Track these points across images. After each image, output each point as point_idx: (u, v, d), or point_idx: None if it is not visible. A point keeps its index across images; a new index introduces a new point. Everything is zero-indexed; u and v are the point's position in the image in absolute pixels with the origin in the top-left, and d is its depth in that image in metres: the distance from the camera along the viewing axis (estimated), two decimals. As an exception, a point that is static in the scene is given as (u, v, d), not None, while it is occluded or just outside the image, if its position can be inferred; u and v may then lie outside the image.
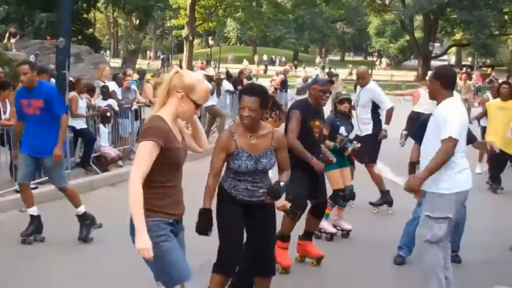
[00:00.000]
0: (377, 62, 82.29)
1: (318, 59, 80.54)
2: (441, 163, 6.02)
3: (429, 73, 37.95)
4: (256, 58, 78.91)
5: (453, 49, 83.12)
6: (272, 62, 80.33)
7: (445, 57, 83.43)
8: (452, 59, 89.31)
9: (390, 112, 10.51)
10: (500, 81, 17.94)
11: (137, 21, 59.09)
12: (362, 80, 10.84)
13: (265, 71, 68.37)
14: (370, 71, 60.46)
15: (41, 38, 32.03)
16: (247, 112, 5.21)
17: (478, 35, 65.92)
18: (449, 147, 5.96)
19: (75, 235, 8.73)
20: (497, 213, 8.04)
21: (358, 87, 11.39)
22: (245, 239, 5.75)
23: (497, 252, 8.17)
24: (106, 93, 13.50)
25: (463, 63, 78.67)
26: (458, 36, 74.43)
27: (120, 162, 13.43)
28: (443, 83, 6.24)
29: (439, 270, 6.23)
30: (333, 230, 8.88)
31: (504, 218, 9.04)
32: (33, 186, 10.71)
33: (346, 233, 9.01)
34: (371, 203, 10.39)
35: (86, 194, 11.29)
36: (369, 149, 10.24)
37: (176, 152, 4.45)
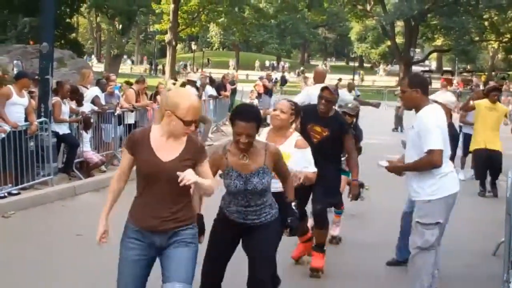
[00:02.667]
0: (362, 72, 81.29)
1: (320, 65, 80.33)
2: (422, 169, 6.07)
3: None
4: (257, 64, 79.04)
5: (434, 55, 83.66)
6: (274, 68, 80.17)
7: (426, 62, 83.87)
8: (433, 65, 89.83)
9: None
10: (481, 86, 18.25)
11: (120, 26, 58.77)
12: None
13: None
14: (352, 77, 60.90)
15: (23, 43, 31.80)
16: (245, 139, 5.02)
17: (458, 41, 66.39)
18: (435, 159, 5.95)
19: (57, 239, 8.68)
20: (479, 219, 8.06)
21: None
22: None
23: (480, 257, 8.18)
24: (79, 100, 13.33)
25: (444, 68, 79.11)
26: (439, 42, 74.89)
27: (103, 168, 13.37)
28: (424, 91, 6.23)
29: (429, 277, 6.24)
30: (336, 233, 8.83)
31: (487, 224, 9.06)
32: (16, 191, 10.67)
33: (332, 239, 8.82)
34: None
35: (69, 199, 11.27)
36: None
37: (142, 164, 4.52)
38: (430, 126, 6.02)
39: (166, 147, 4.48)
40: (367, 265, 7.97)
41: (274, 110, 6.39)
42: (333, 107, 7.61)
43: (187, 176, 4.24)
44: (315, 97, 7.79)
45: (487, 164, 12.25)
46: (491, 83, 17.65)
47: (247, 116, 5.06)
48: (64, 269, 7.56)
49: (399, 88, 8.52)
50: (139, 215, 4.63)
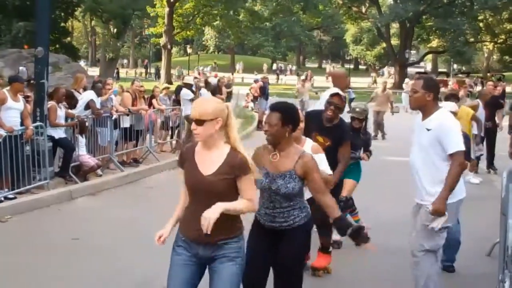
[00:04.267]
0: (374, 75, 79.90)
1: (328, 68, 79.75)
2: (459, 176, 6.03)
3: (407, 80, 37.10)
4: (264, 67, 78.93)
5: (429, 56, 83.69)
6: (282, 71, 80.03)
7: (421, 64, 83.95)
8: (428, 66, 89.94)
9: None
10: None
11: (115, 29, 58.71)
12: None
13: (277, 79, 68.68)
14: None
15: (18, 47, 31.78)
16: (267, 127, 5.14)
17: (453, 42, 66.38)
18: (462, 160, 6.01)
19: (53, 244, 8.70)
20: (473, 220, 8.10)
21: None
22: None
23: (475, 258, 8.21)
24: (74, 105, 13.36)
25: (439, 70, 79.19)
26: (434, 43, 74.93)
27: (99, 172, 13.37)
28: (435, 96, 6.24)
29: (437, 278, 6.27)
30: (337, 237, 8.80)
31: (481, 225, 9.09)
32: (12, 196, 10.69)
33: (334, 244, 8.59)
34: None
35: (65, 203, 11.27)
36: None
37: (186, 176, 4.60)
38: (452, 128, 6.07)
39: (206, 161, 4.50)
40: (370, 268, 8.01)
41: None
42: (339, 114, 7.54)
43: (207, 220, 4.27)
44: None
45: None
46: (489, 84, 17.53)
47: (274, 106, 5.21)
48: (61, 273, 7.57)
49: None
50: (185, 224, 4.66)
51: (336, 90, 7.84)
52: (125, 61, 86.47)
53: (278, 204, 5.31)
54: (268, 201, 5.34)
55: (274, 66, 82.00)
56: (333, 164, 7.11)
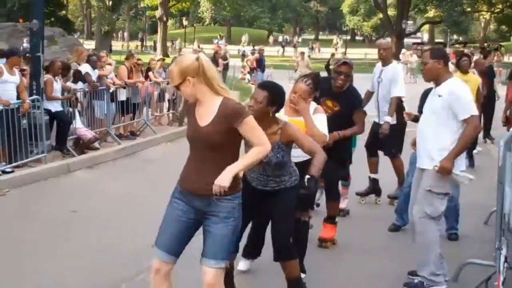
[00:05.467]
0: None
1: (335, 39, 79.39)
2: (472, 139, 6.19)
3: (404, 51, 36.48)
4: (271, 39, 78.53)
5: (426, 27, 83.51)
6: (287, 43, 79.45)
7: (418, 34, 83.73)
8: (425, 37, 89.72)
9: (395, 101, 9.28)
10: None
11: (110, 2, 58.48)
12: (387, 57, 9.54)
13: (283, 52, 68.40)
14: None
15: (13, 21, 31.65)
16: (252, 103, 5.22)
17: (450, 12, 66.29)
18: (476, 124, 6.08)
19: (52, 216, 8.74)
20: (470, 191, 8.12)
21: (379, 66, 9.78)
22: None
23: (472, 227, 8.25)
24: (78, 77, 13.40)
25: (436, 40, 79.01)
26: (430, 13, 74.70)
27: (96, 145, 13.38)
28: (445, 63, 6.34)
29: (437, 246, 6.33)
30: (343, 205, 8.88)
31: (478, 195, 9.13)
32: (10, 169, 10.70)
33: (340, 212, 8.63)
34: (357, 193, 9.89)
35: (63, 176, 11.30)
36: (394, 140, 9.38)
37: (187, 127, 4.67)
38: (465, 94, 6.12)
39: (203, 114, 4.50)
40: (373, 237, 8.09)
41: (293, 91, 6.27)
42: (349, 81, 7.60)
43: (219, 188, 4.30)
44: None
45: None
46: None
47: (263, 85, 5.39)
48: (60, 245, 7.60)
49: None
50: (183, 177, 4.67)
51: (347, 59, 8.02)
52: (125, 34, 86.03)
53: (270, 172, 5.48)
54: (261, 169, 5.48)
55: (280, 38, 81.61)
56: (337, 129, 7.19)
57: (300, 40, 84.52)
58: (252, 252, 6.46)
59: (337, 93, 7.38)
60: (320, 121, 6.30)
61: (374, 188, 9.83)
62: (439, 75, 6.25)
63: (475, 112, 6.05)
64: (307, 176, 5.28)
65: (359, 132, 7.84)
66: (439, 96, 6.19)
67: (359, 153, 9.47)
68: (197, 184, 4.49)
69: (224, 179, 4.31)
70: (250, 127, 4.44)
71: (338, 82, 7.36)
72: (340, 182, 8.62)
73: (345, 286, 6.41)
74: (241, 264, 6.52)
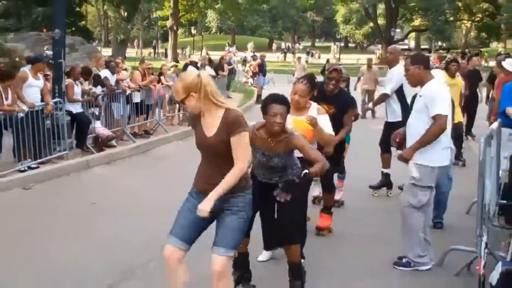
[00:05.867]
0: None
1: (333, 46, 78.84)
2: (435, 136, 6.11)
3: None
4: (274, 46, 78.30)
5: (412, 34, 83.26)
6: (289, 50, 79.02)
7: (405, 41, 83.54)
8: (412, 43, 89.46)
9: (382, 97, 9.69)
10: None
11: (125, 13, 58.33)
12: (392, 61, 9.77)
13: (284, 58, 68.18)
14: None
15: (37, 31, 31.60)
16: (279, 119, 5.10)
17: (434, 21, 66.18)
18: (442, 123, 6.07)
19: (73, 208, 8.75)
20: (453, 183, 8.14)
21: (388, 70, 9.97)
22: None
23: (455, 217, 8.24)
24: (98, 81, 13.43)
25: (422, 46, 78.90)
26: (416, 22, 74.53)
27: (113, 142, 13.38)
28: (426, 67, 6.38)
29: (420, 231, 6.41)
30: (338, 197, 8.88)
31: (460, 188, 9.11)
32: (35, 166, 10.70)
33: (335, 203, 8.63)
34: (371, 187, 9.95)
35: (83, 172, 11.32)
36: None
37: (196, 138, 4.62)
38: (437, 94, 6.15)
39: (209, 124, 4.50)
40: (367, 228, 8.08)
41: (293, 93, 6.29)
42: (339, 85, 7.68)
43: (200, 213, 4.36)
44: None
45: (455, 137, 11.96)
46: (475, 58, 17.21)
47: (281, 100, 5.19)
48: (81, 234, 7.62)
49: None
50: (197, 178, 4.72)
51: (337, 66, 8.03)
52: (139, 42, 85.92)
53: (275, 171, 5.48)
54: (266, 170, 5.50)
55: (283, 45, 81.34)
56: (336, 130, 7.13)
57: (301, 47, 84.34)
58: (270, 244, 6.43)
59: (331, 97, 7.40)
60: (325, 121, 6.32)
61: (386, 182, 9.84)
62: (421, 78, 6.30)
63: (444, 112, 6.07)
64: (305, 171, 5.30)
65: (349, 131, 7.96)
66: (420, 96, 6.29)
67: (355, 148, 9.48)
68: (207, 185, 4.50)
69: (206, 205, 4.35)
70: (241, 142, 4.41)
71: (329, 87, 7.41)
72: (336, 175, 8.65)
73: (341, 270, 6.40)
74: (262, 256, 6.57)
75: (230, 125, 4.40)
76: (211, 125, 4.48)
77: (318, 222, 7.64)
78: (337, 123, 7.29)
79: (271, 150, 5.30)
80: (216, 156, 4.47)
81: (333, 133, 6.40)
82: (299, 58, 33.64)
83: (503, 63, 9.92)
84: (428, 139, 6.12)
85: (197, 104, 4.45)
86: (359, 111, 18.10)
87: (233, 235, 4.56)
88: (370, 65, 21.10)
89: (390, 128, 9.01)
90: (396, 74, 9.34)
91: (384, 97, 9.66)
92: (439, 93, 6.19)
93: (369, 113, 18.80)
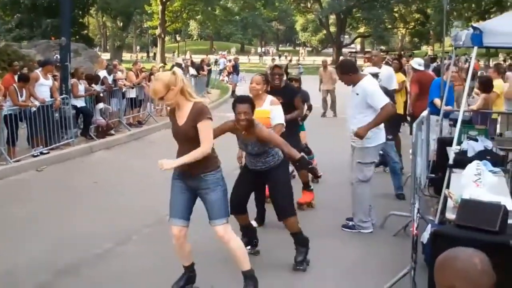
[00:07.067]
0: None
1: (301, 50, 78.64)
2: (385, 119, 6.17)
3: (342, 58, 36.26)
4: (252, 50, 78.00)
5: (358, 40, 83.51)
6: (265, 53, 78.24)
7: (352, 45, 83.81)
8: (358, 47, 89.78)
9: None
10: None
11: (121, 23, 57.88)
12: (377, 62, 9.71)
13: (272, 60, 67.24)
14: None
15: (47, 39, 31.18)
16: (243, 116, 5.05)
17: (376, 29, 66.44)
18: (388, 109, 6.12)
19: (79, 186, 8.67)
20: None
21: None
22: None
23: (393, 188, 8.20)
24: (98, 80, 13.38)
25: (366, 49, 79.24)
26: (361, 29, 74.71)
27: (112, 131, 13.29)
28: (354, 70, 6.37)
29: (367, 200, 6.47)
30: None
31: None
32: (46, 151, 10.59)
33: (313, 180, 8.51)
34: None
35: (87, 156, 11.23)
36: (393, 124, 8.69)
37: (172, 128, 4.58)
38: (373, 89, 6.17)
39: (181, 115, 4.46)
40: (337, 199, 8.02)
41: (251, 83, 6.35)
42: (283, 79, 7.54)
43: (163, 166, 4.30)
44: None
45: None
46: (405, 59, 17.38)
47: (243, 100, 5.17)
48: (86, 207, 7.58)
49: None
50: None
51: (277, 64, 8.17)
52: (133, 47, 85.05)
53: (254, 159, 5.47)
54: (249, 156, 5.51)
55: (259, 50, 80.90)
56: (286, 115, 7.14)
57: (275, 51, 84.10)
58: (259, 218, 6.60)
59: (279, 90, 7.18)
60: (278, 110, 6.33)
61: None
62: (353, 80, 6.29)
63: (385, 101, 6.12)
64: (296, 164, 5.34)
65: (301, 113, 7.87)
66: (357, 94, 6.27)
67: (313, 133, 9.46)
68: (185, 167, 4.45)
69: (168, 163, 4.32)
70: (204, 127, 4.38)
71: (276, 82, 7.24)
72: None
73: (319, 234, 6.36)
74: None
75: (196, 115, 4.38)
76: (183, 116, 4.44)
77: (299, 199, 7.42)
78: (288, 109, 7.09)
79: (246, 139, 5.30)
80: (188, 141, 4.42)
81: (283, 121, 6.34)
82: (273, 59, 33.66)
83: (411, 62, 10.62)
84: (379, 120, 6.14)
85: (176, 98, 4.37)
86: (322, 109, 17.89)
87: (220, 205, 4.55)
88: (326, 66, 19.04)
89: None
90: (390, 72, 9.49)
91: (393, 92, 9.15)
92: (374, 89, 6.20)
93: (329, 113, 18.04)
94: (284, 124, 6.35)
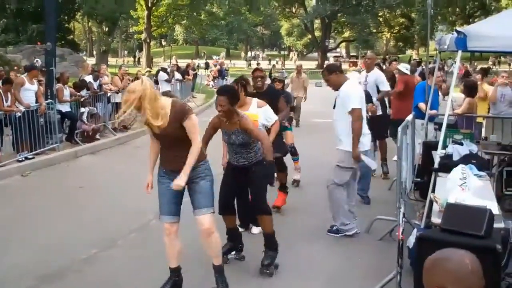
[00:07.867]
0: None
1: (292, 54, 78.27)
2: (360, 127, 6.12)
3: (327, 62, 36.38)
4: (242, 55, 78.01)
5: (343, 44, 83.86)
6: (254, 58, 78.18)
7: (337, 50, 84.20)
8: (343, 51, 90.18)
9: (385, 93, 9.21)
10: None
11: (107, 28, 57.64)
12: (370, 65, 9.50)
13: (257, 64, 67.12)
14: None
15: (32, 43, 31.06)
16: (219, 108, 5.14)
17: (361, 33, 66.86)
18: (357, 114, 6.08)
19: (64, 191, 8.59)
20: (378, 165, 8.20)
21: (364, 72, 9.58)
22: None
23: (379, 192, 8.24)
24: (83, 86, 13.30)
25: (351, 54, 79.58)
26: (346, 34, 75.06)
27: (97, 136, 13.20)
28: (339, 72, 6.39)
29: (344, 203, 6.42)
30: (297, 177, 8.90)
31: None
32: (31, 156, 10.50)
33: (294, 182, 8.80)
34: None
35: (72, 161, 11.14)
36: (383, 126, 9.06)
37: (154, 130, 4.54)
38: (350, 93, 6.14)
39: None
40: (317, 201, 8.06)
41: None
42: (266, 82, 7.53)
43: (176, 187, 4.43)
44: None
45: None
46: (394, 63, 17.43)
47: (221, 91, 5.24)
48: (71, 212, 7.52)
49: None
50: (162, 160, 4.68)
51: (258, 67, 8.22)
52: (119, 52, 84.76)
53: (238, 150, 5.47)
54: (232, 150, 5.53)
55: (249, 54, 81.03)
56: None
57: (264, 55, 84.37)
58: (245, 220, 6.54)
59: (261, 93, 7.14)
60: (268, 111, 6.41)
61: None
62: (340, 82, 6.30)
63: (356, 106, 6.09)
64: (264, 162, 5.41)
65: (287, 114, 7.98)
66: (339, 95, 6.33)
67: (302, 135, 9.46)
68: (174, 164, 4.50)
69: (181, 180, 4.41)
70: (192, 124, 4.44)
71: (258, 84, 7.26)
72: (292, 158, 8.73)
73: (286, 235, 6.36)
74: (254, 229, 6.53)
75: (179, 111, 4.42)
76: (165, 117, 4.43)
77: (275, 202, 7.42)
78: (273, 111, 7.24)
79: (229, 129, 5.34)
80: (177, 143, 4.46)
81: (276, 117, 6.48)
82: (258, 64, 33.76)
83: (398, 66, 11.07)
84: (357, 133, 6.11)
85: (149, 107, 4.32)
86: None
87: (208, 195, 4.61)
88: (300, 71, 16.58)
89: (374, 120, 8.51)
90: (380, 75, 9.41)
91: (386, 94, 9.38)
92: (353, 91, 6.20)
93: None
94: (278, 119, 6.53)
